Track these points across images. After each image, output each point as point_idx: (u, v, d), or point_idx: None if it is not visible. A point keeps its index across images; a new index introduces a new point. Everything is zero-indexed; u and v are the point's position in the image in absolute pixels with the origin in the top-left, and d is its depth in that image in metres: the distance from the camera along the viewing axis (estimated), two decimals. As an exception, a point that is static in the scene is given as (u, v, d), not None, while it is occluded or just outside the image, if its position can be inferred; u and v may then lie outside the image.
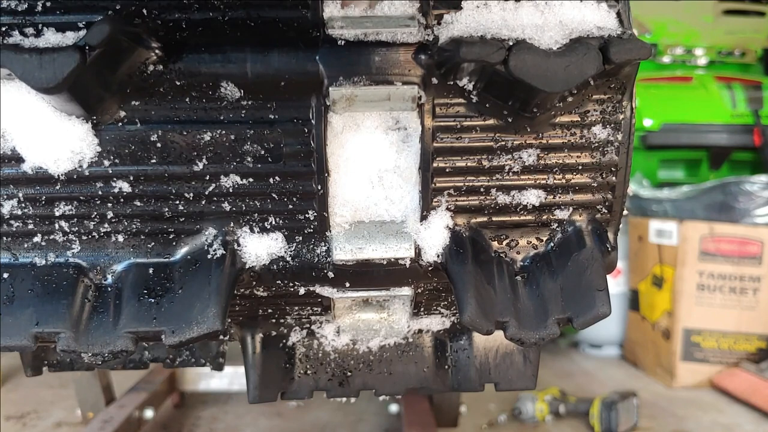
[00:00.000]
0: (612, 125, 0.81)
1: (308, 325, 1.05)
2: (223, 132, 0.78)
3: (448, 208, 0.83)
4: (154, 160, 0.78)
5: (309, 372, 1.10)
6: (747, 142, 2.96)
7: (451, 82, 0.77)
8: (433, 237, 0.82)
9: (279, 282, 0.86)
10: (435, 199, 0.82)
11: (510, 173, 0.82)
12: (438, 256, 0.82)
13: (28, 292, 0.77)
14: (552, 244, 0.86)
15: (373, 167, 0.81)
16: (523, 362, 1.09)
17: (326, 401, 2.24)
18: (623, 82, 0.79)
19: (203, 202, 0.80)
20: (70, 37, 0.68)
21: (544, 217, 0.85)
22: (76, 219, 0.79)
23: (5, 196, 0.77)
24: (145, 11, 0.72)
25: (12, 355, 2.45)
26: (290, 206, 0.81)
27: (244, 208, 0.81)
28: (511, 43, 0.69)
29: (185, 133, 0.77)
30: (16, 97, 0.73)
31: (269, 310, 0.99)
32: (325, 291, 0.88)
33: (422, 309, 1.02)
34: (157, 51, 0.74)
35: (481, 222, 0.84)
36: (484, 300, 0.78)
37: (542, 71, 0.68)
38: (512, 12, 0.75)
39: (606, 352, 3.01)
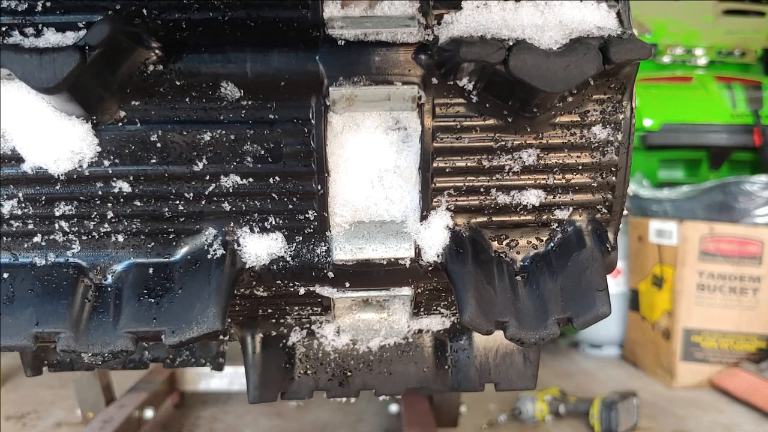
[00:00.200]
0: (612, 125, 0.81)
1: (308, 325, 1.05)
2: (223, 132, 0.78)
3: (448, 208, 0.83)
4: (154, 160, 0.78)
5: (309, 372, 1.10)
6: (747, 142, 2.96)
7: (451, 82, 0.77)
8: (433, 237, 0.82)
9: (279, 282, 0.86)
10: (435, 199, 0.82)
11: (510, 173, 0.82)
12: (438, 256, 0.82)
13: (28, 292, 0.77)
14: (552, 244, 0.86)
15: (373, 167, 0.81)
16: (523, 362, 1.09)
17: (326, 401, 2.24)
18: (623, 82, 0.79)
19: (203, 202, 0.80)
20: (70, 37, 0.68)
21: (544, 217, 0.85)
22: (76, 219, 0.79)
23: (5, 196, 0.77)
24: (145, 11, 0.73)
25: (12, 355, 2.45)
26: (290, 206, 0.81)
27: (244, 208, 0.81)
28: (511, 43, 0.69)
29: (185, 133, 0.77)
30: (16, 97, 0.73)
31: (269, 310, 0.99)
32: (325, 291, 0.88)
33: (422, 309, 1.02)
34: (157, 51, 0.74)
35: (481, 222, 0.84)
36: (484, 300, 0.78)
37: (542, 71, 0.68)
38: (512, 12, 0.75)
39: (606, 352, 3.01)
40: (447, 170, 0.81)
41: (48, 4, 0.72)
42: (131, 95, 0.76)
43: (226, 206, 0.81)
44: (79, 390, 1.97)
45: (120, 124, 0.76)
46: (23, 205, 0.78)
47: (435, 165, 0.80)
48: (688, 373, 2.58)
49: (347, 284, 0.86)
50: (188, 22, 0.74)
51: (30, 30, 0.70)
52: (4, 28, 0.70)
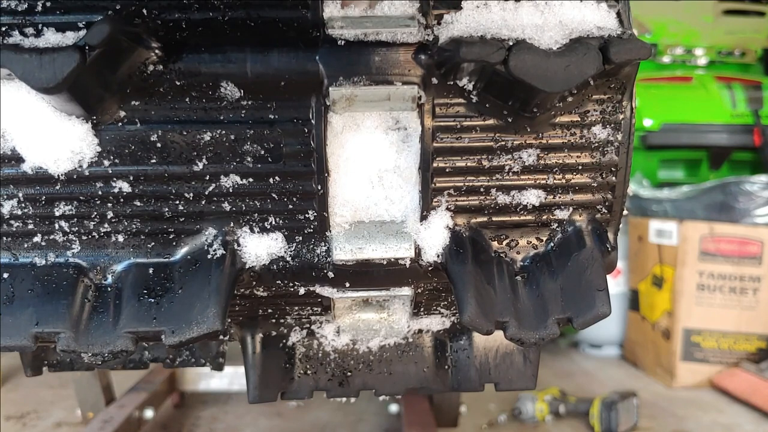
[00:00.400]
0: (612, 125, 0.81)
1: (308, 325, 1.05)
2: (223, 132, 0.78)
3: (448, 208, 0.83)
4: (154, 160, 0.78)
5: (309, 372, 1.10)
6: (747, 142, 2.96)
7: (451, 82, 0.77)
8: (433, 237, 0.82)
9: (279, 282, 0.86)
10: (435, 199, 0.82)
11: (510, 173, 0.82)
12: (438, 256, 0.82)
13: (28, 292, 0.77)
14: (552, 244, 0.86)
15: (373, 167, 0.81)
16: (523, 362, 1.09)
17: (326, 401, 2.24)
18: (623, 82, 0.79)
19: (203, 202, 0.80)
20: (70, 37, 0.68)
21: (544, 217, 0.85)
22: (76, 219, 0.79)
23: (5, 196, 0.77)
24: (145, 11, 0.72)
25: (12, 355, 2.45)
26: (290, 206, 0.81)
27: (244, 208, 0.81)
28: (511, 43, 0.69)
29: (185, 133, 0.77)
30: (16, 97, 0.73)
31: (269, 310, 0.99)
32: (325, 291, 0.88)
33: (422, 309, 1.02)
34: (157, 51, 0.74)
35: (481, 222, 0.84)
36: (484, 300, 0.78)
37: (542, 71, 0.68)
38: (512, 12, 0.75)
39: (606, 352, 3.01)
40: (447, 170, 0.81)
41: (48, 4, 0.72)
42: (131, 95, 0.76)
43: (226, 206, 0.81)
44: (79, 390, 1.97)
45: (120, 124, 0.76)
46: (23, 205, 0.78)
47: (435, 165, 0.80)
48: (688, 373, 2.58)
49: (347, 284, 0.86)
50: (188, 22, 0.74)
51: (30, 30, 0.69)
52: (4, 28, 0.70)
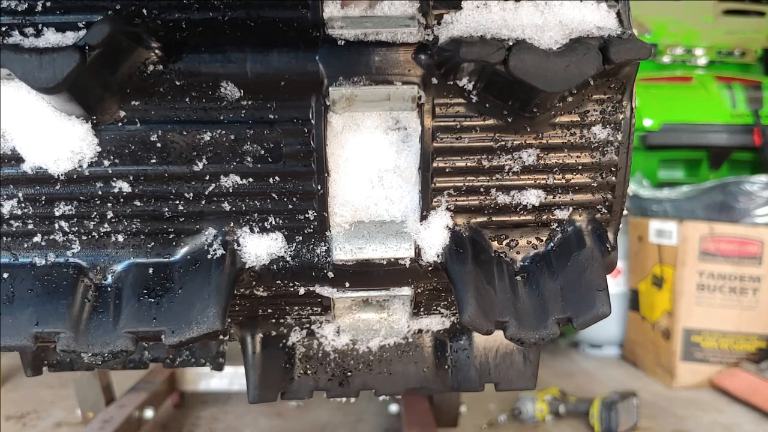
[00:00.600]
0: (612, 125, 0.81)
1: (308, 325, 1.05)
2: (223, 132, 0.78)
3: (448, 208, 0.83)
4: (154, 160, 0.78)
5: (309, 372, 1.10)
6: (747, 142, 2.96)
7: (451, 82, 0.77)
8: (433, 237, 0.82)
9: (279, 282, 0.86)
10: (435, 199, 0.82)
11: (510, 173, 0.82)
12: (438, 256, 0.82)
13: (28, 292, 0.77)
14: (552, 244, 0.86)
15: (373, 167, 0.81)
16: (523, 362, 1.09)
17: (326, 401, 2.24)
18: (623, 82, 0.79)
19: (203, 202, 0.80)
20: (70, 37, 0.68)
21: (544, 217, 0.85)
22: (76, 219, 0.79)
23: (5, 196, 0.77)
24: (145, 11, 0.72)
25: (12, 355, 2.45)
26: (290, 206, 0.81)
27: (244, 208, 0.81)
28: (511, 43, 0.69)
29: (185, 133, 0.77)
30: (16, 97, 0.73)
31: (269, 310, 0.99)
32: (325, 291, 0.88)
33: (422, 309, 1.02)
34: (157, 51, 0.74)
35: (481, 222, 0.84)
36: (484, 300, 0.78)
37: (542, 71, 0.68)
38: (512, 12, 0.75)
39: (606, 352, 3.01)
40: (447, 170, 0.81)
41: (48, 4, 0.72)
42: (131, 95, 0.76)
43: (226, 206, 0.81)
44: (79, 390, 1.97)
45: (120, 124, 0.76)
46: (23, 205, 0.78)
47: (435, 165, 0.80)
48: (688, 373, 2.58)
49: (347, 284, 0.86)
50: (188, 22, 0.74)
51: (30, 30, 0.69)
52: (4, 28, 0.70)
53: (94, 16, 0.71)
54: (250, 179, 0.80)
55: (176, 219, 0.81)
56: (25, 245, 0.80)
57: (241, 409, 2.24)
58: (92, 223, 0.80)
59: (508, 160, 0.81)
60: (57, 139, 0.74)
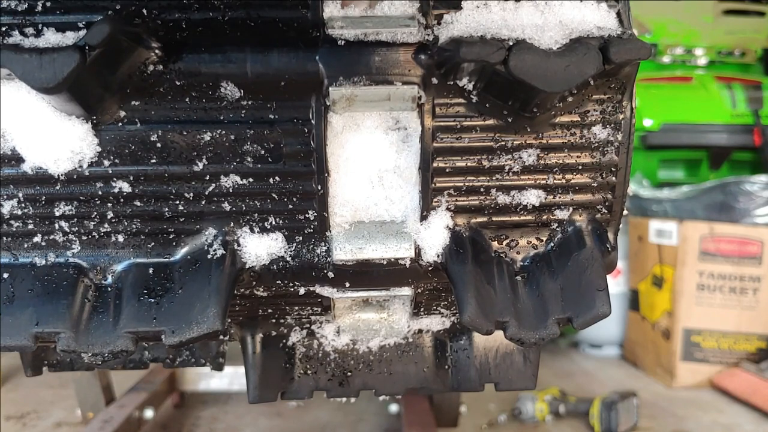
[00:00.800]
0: (612, 125, 0.81)
1: (308, 325, 1.05)
2: (223, 132, 0.78)
3: (448, 208, 0.83)
4: (154, 160, 0.78)
5: (309, 372, 1.10)
6: (747, 142, 2.96)
7: (451, 82, 0.77)
8: (433, 237, 0.82)
9: (279, 282, 0.86)
10: (435, 199, 0.82)
11: (510, 173, 0.82)
12: (438, 256, 0.82)
13: (28, 292, 0.77)
14: (552, 244, 0.86)
15: (373, 167, 0.81)
16: (523, 362, 1.09)
17: (326, 401, 2.24)
18: (623, 82, 0.79)
19: (203, 202, 0.80)
20: (70, 37, 0.68)
21: (544, 217, 0.85)
22: (76, 219, 0.79)
23: (5, 196, 0.77)
24: (145, 11, 0.72)
25: (12, 355, 2.45)
26: (290, 206, 0.81)
27: (244, 208, 0.81)
28: (511, 43, 0.69)
29: (185, 133, 0.77)
30: (16, 97, 0.73)
31: (269, 310, 0.99)
32: (325, 291, 0.88)
33: (422, 309, 1.02)
34: (157, 51, 0.74)
35: (481, 222, 0.84)
36: (484, 300, 0.78)
37: (542, 71, 0.68)
38: (512, 12, 0.75)
39: (606, 352, 3.01)
40: (447, 170, 0.81)
41: (48, 4, 0.72)
42: (131, 95, 0.76)
43: (226, 206, 0.81)
44: (79, 390, 1.97)
45: (120, 124, 0.76)
46: (23, 205, 0.78)
47: (435, 165, 0.80)
48: (688, 373, 2.58)
49: (347, 284, 0.86)
50: (188, 22, 0.74)
51: (30, 30, 0.69)
52: (4, 28, 0.70)
53: (94, 16, 0.71)
54: (250, 179, 0.80)
55: (176, 219, 0.81)
56: (25, 245, 0.80)
57: (241, 409, 2.24)
58: (92, 223, 0.80)
59: (508, 160, 0.81)
60: (57, 139, 0.74)
